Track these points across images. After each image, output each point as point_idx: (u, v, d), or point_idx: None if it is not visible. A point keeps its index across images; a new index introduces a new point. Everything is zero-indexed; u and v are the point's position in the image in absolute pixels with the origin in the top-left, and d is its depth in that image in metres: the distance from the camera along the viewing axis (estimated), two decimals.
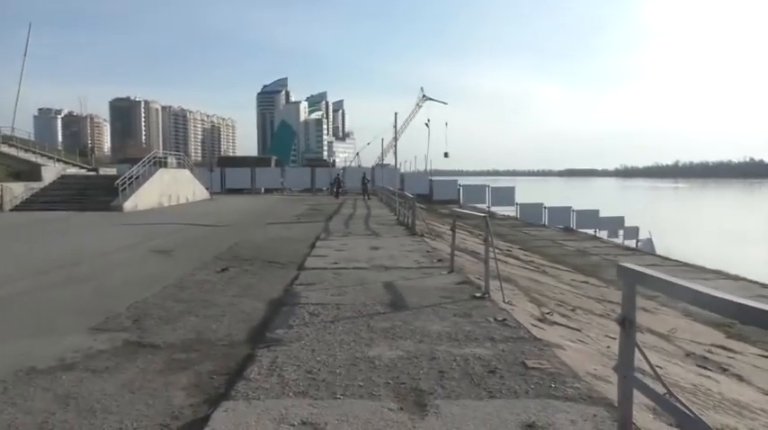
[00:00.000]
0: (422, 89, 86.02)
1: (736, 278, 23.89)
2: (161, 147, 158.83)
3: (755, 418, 5.57)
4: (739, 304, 2.82)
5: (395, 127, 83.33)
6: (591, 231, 44.63)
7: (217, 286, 10.29)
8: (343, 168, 77.01)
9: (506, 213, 51.64)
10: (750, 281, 24.13)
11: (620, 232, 43.91)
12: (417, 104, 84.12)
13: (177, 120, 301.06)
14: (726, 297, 2.98)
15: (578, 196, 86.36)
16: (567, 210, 49.01)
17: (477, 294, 8.90)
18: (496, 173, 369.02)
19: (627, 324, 3.50)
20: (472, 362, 5.67)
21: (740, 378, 8.29)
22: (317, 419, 4.37)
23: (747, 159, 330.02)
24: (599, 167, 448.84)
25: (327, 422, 4.32)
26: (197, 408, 4.79)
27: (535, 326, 7.40)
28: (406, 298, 8.76)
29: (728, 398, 6.38)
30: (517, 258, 21.28)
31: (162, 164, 39.58)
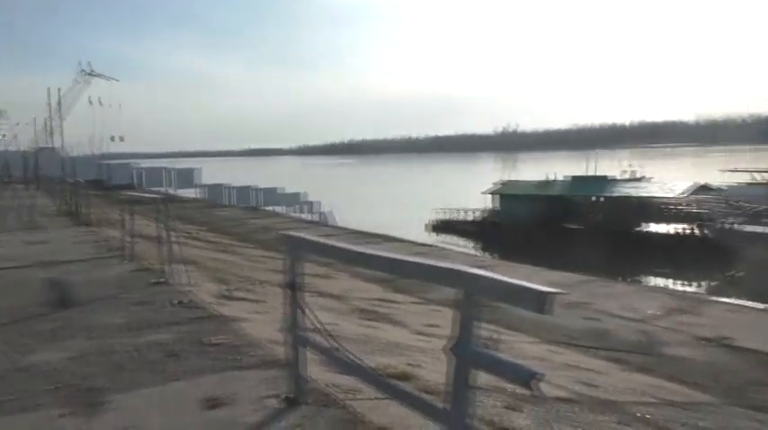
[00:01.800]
0: (81, 63, 76.49)
1: (402, 240, 27.57)
2: None
3: (409, 355, 6.51)
4: (392, 259, 3.24)
5: (49, 104, 73.22)
6: (273, 208, 46.31)
7: None
8: None
9: (192, 195, 50.37)
10: (410, 242, 28.10)
11: (302, 207, 46.54)
12: (76, 80, 74.54)
13: None
14: (378, 254, 3.41)
15: (262, 176, 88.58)
16: (250, 189, 49.96)
17: (157, 280, 8.53)
18: (183, 154, 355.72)
19: (292, 287, 3.74)
20: (152, 350, 5.43)
21: (400, 323, 9.59)
22: None
23: (403, 137, 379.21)
24: (280, 146, 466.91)
25: None
26: None
27: (218, 304, 7.42)
28: (76, 293, 7.94)
29: (390, 342, 7.31)
30: (203, 240, 20.98)
31: None
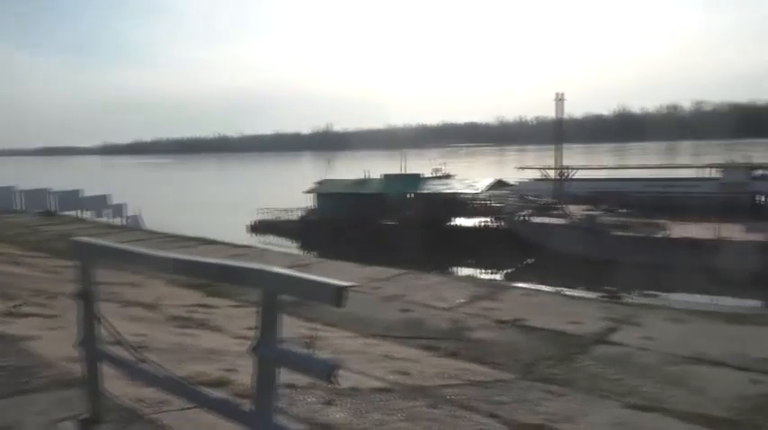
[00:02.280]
0: None
1: (219, 242, 26.59)
2: None
3: (226, 360, 6.32)
4: (188, 262, 3.11)
5: None
6: (75, 212, 42.20)
7: None
8: None
9: None
10: (228, 244, 27.27)
11: (107, 211, 42.99)
12: None
13: None
14: (173, 257, 3.25)
15: (60, 177, 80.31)
16: (46, 192, 44.98)
17: None
18: None
19: (85, 298, 3.44)
20: None
21: (218, 328, 9.29)
22: None
23: (218, 135, 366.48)
24: (80, 145, 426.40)
25: None
26: None
27: (1, 323, 6.59)
28: None
29: (206, 349, 7.05)
30: None
31: None
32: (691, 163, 47.38)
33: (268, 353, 2.37)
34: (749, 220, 29.15)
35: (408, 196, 40.69)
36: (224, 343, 7.79)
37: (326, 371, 2.18)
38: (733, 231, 27.17)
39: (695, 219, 30.09)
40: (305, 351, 2.51)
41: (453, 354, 10.11)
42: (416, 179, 41.95)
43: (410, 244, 28.65)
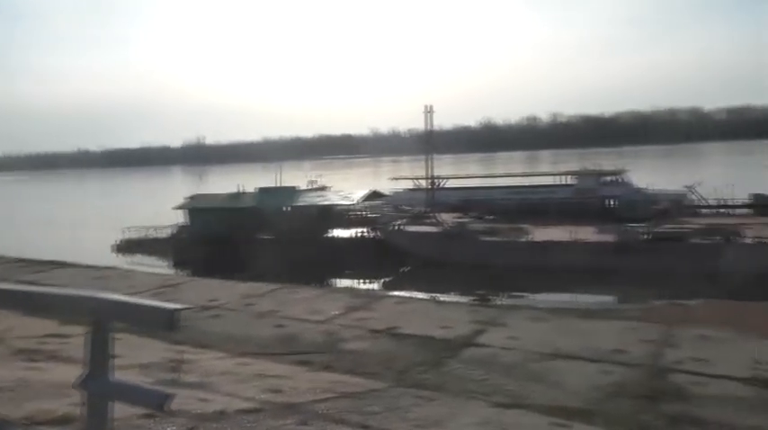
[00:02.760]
0: None
1: (79, 265, 24.65)
2: None
3: (73, 394, 5.84)
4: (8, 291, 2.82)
5: None
6: None
7: None
8: None
9: None
10: (90, 266, 25.37)
11: None
12: None
13: None
14: None
15: None
16: None
17: None
18: None
19: None
20: None
21: (71, 360, 8.57)
22: None
23: (78, 149, 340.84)
24: None
25: None
26: None
27: None
28: None
29: (52, 383, 6.48)
30: None
31: None
32: (549, 170, 50.91)
33: (97, 387, 2.19)
34: (600, 223, 31.78)
35: (284, 209, 40.20)
36: (76, 375, 7.20)
37: (159, 402, 2.05)
38: (587, 233, 29.48)
39: (554, 223, 32.34)
40: (136, 382, 2.35)
41: (327, 367, 10.06)
42: (292, 192, 41.56)
43: (287, 258, 28.27)
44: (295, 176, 51.00)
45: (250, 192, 42.42)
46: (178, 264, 36.23)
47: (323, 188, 44.06)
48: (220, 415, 6.22)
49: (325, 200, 40.33)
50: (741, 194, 35.93)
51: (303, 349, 11.42)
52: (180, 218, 41.97)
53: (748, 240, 26.68)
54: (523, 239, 30.05)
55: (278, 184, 43.65)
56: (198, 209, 41.30)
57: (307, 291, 18.01)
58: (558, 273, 25.39)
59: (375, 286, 29.77)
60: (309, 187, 43.71)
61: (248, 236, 36.76)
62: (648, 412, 7.77)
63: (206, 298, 16.79)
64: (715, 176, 42.92)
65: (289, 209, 40.04)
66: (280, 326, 13.36)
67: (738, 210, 35.03)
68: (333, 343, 11.79)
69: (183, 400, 6.72)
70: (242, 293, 17.42)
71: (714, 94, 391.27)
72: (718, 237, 27.32)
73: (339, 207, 39.91)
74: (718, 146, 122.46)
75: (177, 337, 12.64)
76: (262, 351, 11.41)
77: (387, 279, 30.72)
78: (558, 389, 8.80)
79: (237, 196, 41.89)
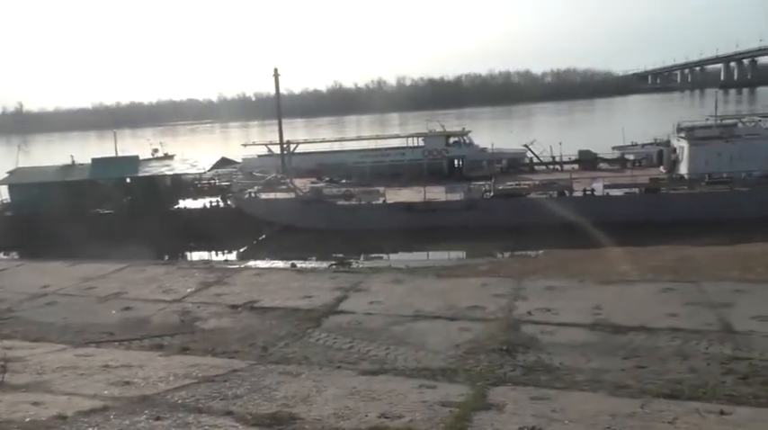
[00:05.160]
0: None
1: None
2: None
3: None
4: None
5: None
6: None
7: None
8: None
9: None
10: None
11: None
12: None
13: None
14: None
15: None
16: None
17: None
18: None
19: None
20: None
21: None
22: None
23: None
24: None
25: None
26: None
27: None
28: None
29: None
30: None
31: None
32: (398, 133, 51.87)
33: None
34: (449, 182, 33.05)
35: (126, 181, 37.17)
36: None
37: None
38: (437, 193, 30.54)
39: (406, 184, 33.12)
40: None
41: (184, 350, 9.43)
42: (133, 162, 38.38)
43: (131, 233, 26.21)
44: (136, 145, 47.34)
45: (85, 164, 38.61)
46: (4, 247, 32.38)
47: (167, 156, 41.24)
48: (58, 420, 5.49)
49: (171, 169, 37.82)
50: (568, 151, 39.06)
51: (155, 332, 10.61)
52: (3, 195, 37.34)
53: (578, 193, 29.16)
54: (379, 202, 30.45)
55: (116, 154, 40.15)
56: (21, 184, 36.84)
57: (155, 268, 16.81)
58: (415, 233, 26.10)
59: (231, 257, 28.68)
60: (152, 156, 40.71)
61: (84, 212, 33.56)
62: (505, 364, 8.14)
63: (37, 284, 15.11)
64: (546, 135, 46.23)
65: (130, 180, 37.08)
66: (127, 308, 12.33)
67: (567, 166, 38.11)
68: (188, 323, 11.09)
69: (11, 407, 5.87)
70: (80, 276, 15.87)
71: (543, 59, 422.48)
72: (554, 192, 29.54)
73: (187, 176, 37.71)
74: (546, 106, 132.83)
75: (4, 331, 11.20)
76: (108, 338, 10.44)
77: (243, 249, 29.70)
78: (421, 351, 8.95)
79: (70, 168, 37.92)
